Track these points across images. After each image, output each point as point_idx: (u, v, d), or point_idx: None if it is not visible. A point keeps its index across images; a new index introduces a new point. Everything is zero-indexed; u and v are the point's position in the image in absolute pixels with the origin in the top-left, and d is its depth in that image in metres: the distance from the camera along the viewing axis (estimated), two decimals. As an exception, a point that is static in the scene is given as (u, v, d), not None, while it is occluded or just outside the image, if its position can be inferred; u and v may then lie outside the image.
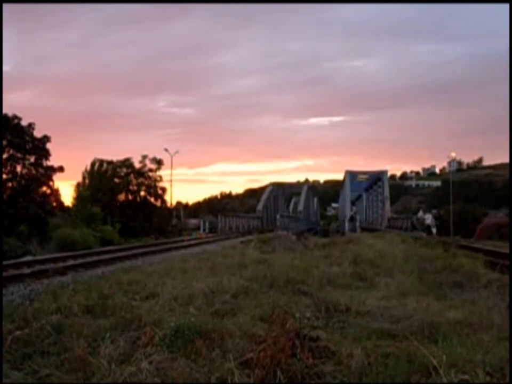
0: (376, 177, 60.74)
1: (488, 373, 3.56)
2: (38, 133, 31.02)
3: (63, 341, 4.62)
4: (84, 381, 3.77)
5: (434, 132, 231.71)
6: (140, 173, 45.28)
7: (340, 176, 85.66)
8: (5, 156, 28.89)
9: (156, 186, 45.76)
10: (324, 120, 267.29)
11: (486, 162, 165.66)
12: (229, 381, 3.64)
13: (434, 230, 33.11)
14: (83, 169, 44.97)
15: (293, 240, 23.32)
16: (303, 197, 68.79)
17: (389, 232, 31.18)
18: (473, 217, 51.89)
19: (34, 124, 30.75)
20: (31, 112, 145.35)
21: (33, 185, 30.23)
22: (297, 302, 6.49)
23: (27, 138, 30.27)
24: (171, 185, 47.34)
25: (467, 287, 8.34)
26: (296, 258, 12.04)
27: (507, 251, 14.23)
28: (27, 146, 30.25)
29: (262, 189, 72.64)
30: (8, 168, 29.48)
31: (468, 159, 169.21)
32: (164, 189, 46.22)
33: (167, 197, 46.74)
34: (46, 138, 31.22)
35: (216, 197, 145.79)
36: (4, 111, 26.86)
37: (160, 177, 46.08)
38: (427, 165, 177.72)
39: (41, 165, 31.17)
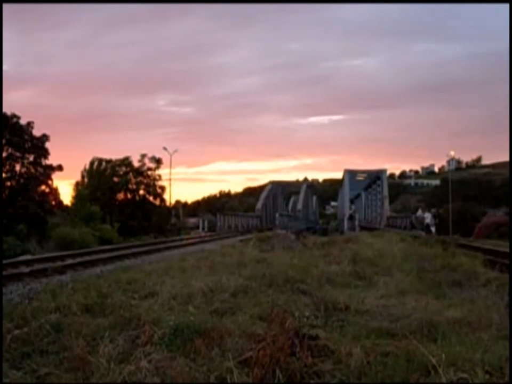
0: (375, 176, 60.71)
1: (487, 371, 3.56)
2: (37, 132, 31.09)
3: (62, 340, 4.62)
4: (83, 380, 3.76)
5: (434, 132, 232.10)
6: (139, 172, 45.31)
7: (338, 175, 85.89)
8: (4, 154, 28.85)
9: (155, 185, 45.84)
10: (323, 119, 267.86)
11: (484, 161, 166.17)
12: (228, 380, 3.64)
13: (433, 229, 33.09)
14: (82, 168, 45.07)
15: (292, 239, 23.31)
16: (302, 195, 68.64)
17: (388, 231, 31.15)
18: (472, 216, 52.13)
19: (33, 122, 30.79)
20: (30, 111, 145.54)
21: (32, 184, 30.21)
22: (296, 301, 6.49)
23: (26, 137, 30.25)
24: (170, 184, 47.68)
25: (466, 286, 8.33)
26: (295, 257, 12.03)
27: (506, 250, 14.25)
28: (26, 145, 30.24)
29: (261, 188, 72.67)
30: (7, 167, 29.46)
31: (467, 158, 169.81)
32: (163, 188, 46.33)
33: (166, 196, 46.88)
34: (45, 137, 31.21)
35: (215, 195, 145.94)
36: (3, 110, 26.84)
37: (159, 176, 46.22)
38: (426, 164, 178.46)
39: (40, 164, 31.16)
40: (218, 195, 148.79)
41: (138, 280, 8.43)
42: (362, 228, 43.31)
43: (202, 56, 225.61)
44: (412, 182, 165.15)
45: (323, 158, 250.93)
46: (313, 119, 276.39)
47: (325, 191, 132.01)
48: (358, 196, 71.57)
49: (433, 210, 61.55)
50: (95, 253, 18.45)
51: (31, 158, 30.69)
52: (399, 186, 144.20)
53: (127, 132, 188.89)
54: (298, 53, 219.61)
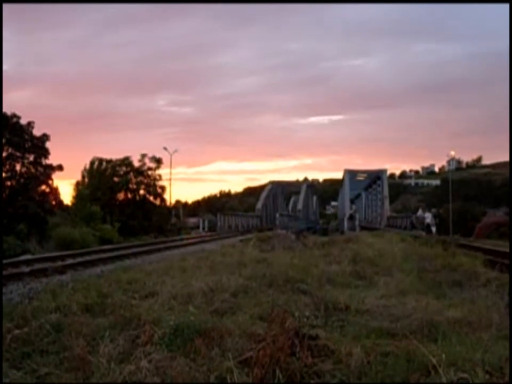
0: (376, 176, 60.73)
1: (487, 371, 3.56)
2: (37, 132, 31.09)
3: (62, 340, 4.62)
4: (83, 379, 3.76)
5: (434, 132, 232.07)
6: (139, 172, 45.31)
7: (339, 175, 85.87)
8: (4, 154, 28.87)
9: (155, 185, 45.84)
10: (323, 119, 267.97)
11: (485, 161, 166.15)
12: (228, 380, 3.63)
13: (433, 229, 33.09)
14: (82, 168, 45.07)
15: (292, 239, 23.31)
16: (302, 195, 68.63)
17: (388, 231, 31.16)
18: (472, 216, 52.11)
19: (33, 122, 30.80)
20: (30, 111, 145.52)
21: (33, 183, 30.22)
22: (296, 301, 6.49)
23: (26, 137, 30.26)
24: (170, 184, 47.59)
25: (466, 286, 8.33)
26: (296, 257, 12.03)
27: (506, 250, 14.24)
28: (26, 145, 30.24)
29: (261, 188, 72.64)
30: (7, 166, 29.46)
31: (467, 158, 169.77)
32: (163, 188, 46.34)
33: (166, 196, 46.88)
34: (45, 137, 31.21)
35: (215, 195, 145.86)
36: (3, 109, 26.85)
37: (160, 176, 46.23)
38: (426, 164, 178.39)
39: (40, 164, 31.17)
40: (218, 195, 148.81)
41: (139, 280, 8.43)
42: (363, 228, 43.30)
43: (202, 56, 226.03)
44: (412, 182, 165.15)
45: (323, 158, 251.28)
46: (313, 119, 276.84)
47: (325, 191, 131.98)
48: (358, 195, 71.55)
49: (433, 210, 61.54)
50: (95, 252, 18.44)
51: (31, 157, 30.70)
52: (399, 186, 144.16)
53: (127, 132, 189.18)
54: (298, 53, 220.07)
